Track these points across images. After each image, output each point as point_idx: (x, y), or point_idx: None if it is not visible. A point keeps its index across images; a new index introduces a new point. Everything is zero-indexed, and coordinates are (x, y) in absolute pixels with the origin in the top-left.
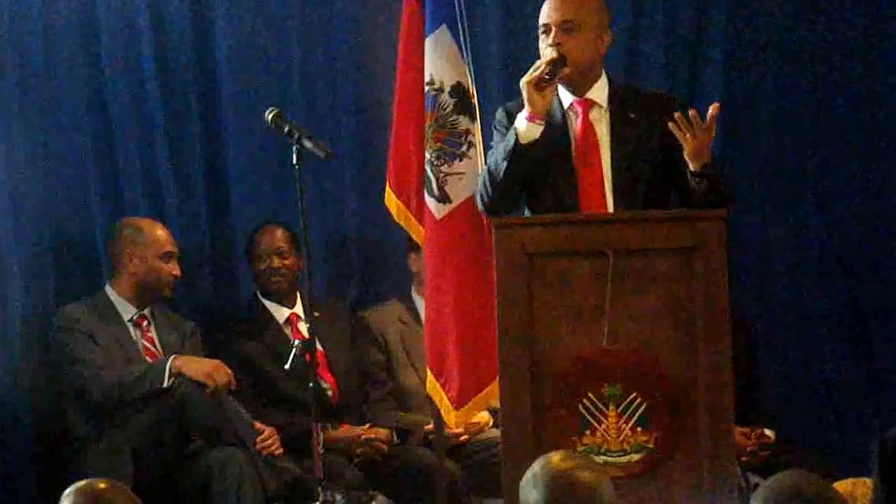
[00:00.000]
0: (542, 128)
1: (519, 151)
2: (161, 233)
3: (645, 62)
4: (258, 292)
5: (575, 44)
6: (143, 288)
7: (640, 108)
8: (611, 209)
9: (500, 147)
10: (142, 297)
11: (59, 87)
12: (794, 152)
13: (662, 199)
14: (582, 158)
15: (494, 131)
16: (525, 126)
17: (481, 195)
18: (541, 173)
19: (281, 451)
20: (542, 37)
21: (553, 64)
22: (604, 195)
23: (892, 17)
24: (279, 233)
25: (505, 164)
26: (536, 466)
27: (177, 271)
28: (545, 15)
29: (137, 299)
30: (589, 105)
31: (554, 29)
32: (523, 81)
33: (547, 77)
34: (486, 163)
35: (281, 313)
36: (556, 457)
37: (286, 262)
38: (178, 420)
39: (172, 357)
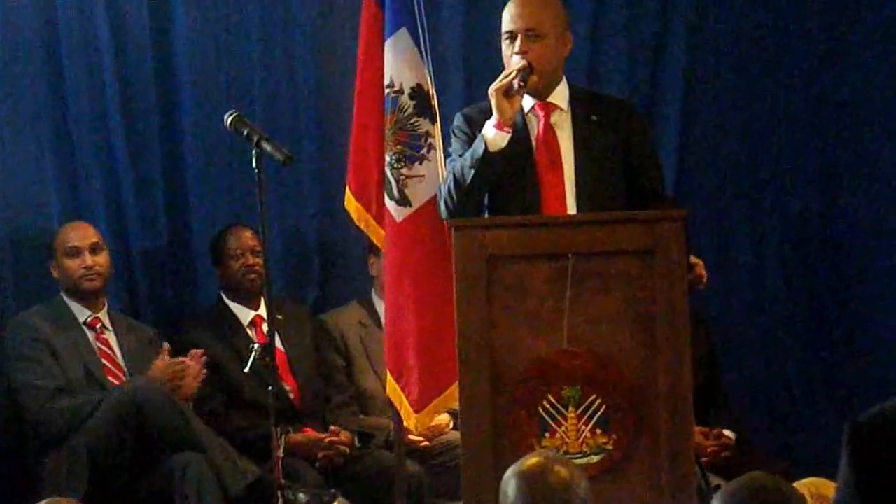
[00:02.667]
0: (509, 136)
1: (487, 159)
2: (70, 231)
3: (606, 65)
4: (223, 293)
5: (541, 51)
6: (71, 290)
7: (601, 112)
8: (572, 210)
9: (467, 154)
10: (82, 299)
11: (16, 85)
12: (753, 151)
13: (624, 201)
14: (544, 162)
15: (453, 137)
16: (493, 134)
17: (445, 202)
18: (504, 178)
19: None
20: (505, 43)
21: (523, 72)
22: (566, 198)
23: (848, 16)
24: (248, 233)
25: (472, 171)
26: (513, 466)
27: (87, 263)
28: (508, 22)
29: (80, 301)
30: (550, 109)
31: (520, 36)
32: (492, 89)
33: (519, 85)
34: (445, 167)
35: (245, 315)
36: (532, 457)
37: (259, 260)
38: (138, 424)
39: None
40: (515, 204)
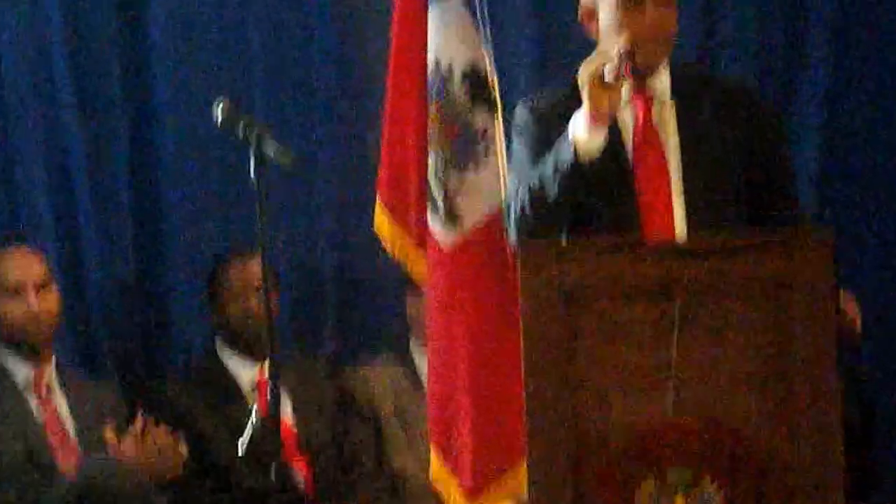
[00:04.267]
0: (604, 137)
1: (577, 168)
2: (8, 261)
3: (723, 55)
4: (217, 344)
5: (671, 21)
6: (7, 341)
7: (716, 100)
8: (681, 232)
9: (547, 160)
10: (20, 352)
11: None
12: None
13: (747, 219)
14: (644, 169)
15: (515, 136)
16: (585, 134)
17: (517, 223)
18: (595, 191)
19: None
20: (622, 10)
21: (628, 54)
22: (672, 215)
23: None
24: (255, 266)
25: (557, 183)
26: None
27: (32, 305)
28: None
29: (19, 355)
30: (650, 98)
31: (650, 3)
32: (584, 75)
33: (625, 73)
34: (511, 171)
35: (246, 373)
36: None
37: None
38: None
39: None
40: (606, 224)
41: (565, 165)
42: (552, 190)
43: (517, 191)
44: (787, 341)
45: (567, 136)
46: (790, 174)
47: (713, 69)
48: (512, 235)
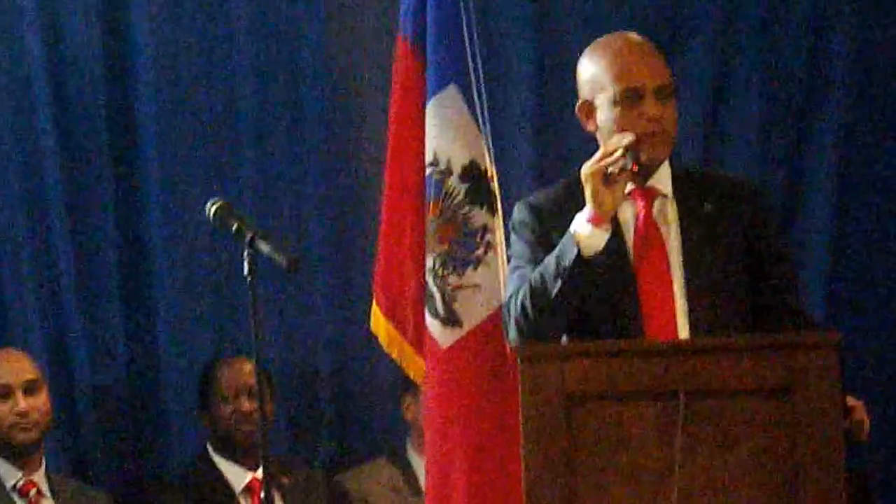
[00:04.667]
0: (608, 235)
1: (580, 267)
2: None
3: (728, 139)
4: (210, 448)
5: (672, 117)
6: None
7: (716, 197)
8: (683, 332)
9: (549, 260)
10: (8, 455)
11: None
12: None
13: (750, 320)
14: (645, 266)
15: (514, 236)
16: (588, 232)
17: (517, 323)
18: (598, 291)
19: None
20: (621, 105)
21: (631, 150)
22: (674, 315)
23: None
24: (248, 367)
25: (558, 282)
26: None
27: (20, 407)
28: (628, 75)
29: (7, 459)
30: (652, 195)
31: (649, 97)
32: (588, 171)
33: (631, 168)
34: (510, 271)
35: (239, 478)
36: None
37: (255, 405)
38: None
39: None
40: (608, 324)
41: (567, 263)
42: (553, 287)
43: (517, 289)
44: (792, 445)
45: (569, 234)
46: (793, 272)
47: (717, 164)
48: (511, 335)
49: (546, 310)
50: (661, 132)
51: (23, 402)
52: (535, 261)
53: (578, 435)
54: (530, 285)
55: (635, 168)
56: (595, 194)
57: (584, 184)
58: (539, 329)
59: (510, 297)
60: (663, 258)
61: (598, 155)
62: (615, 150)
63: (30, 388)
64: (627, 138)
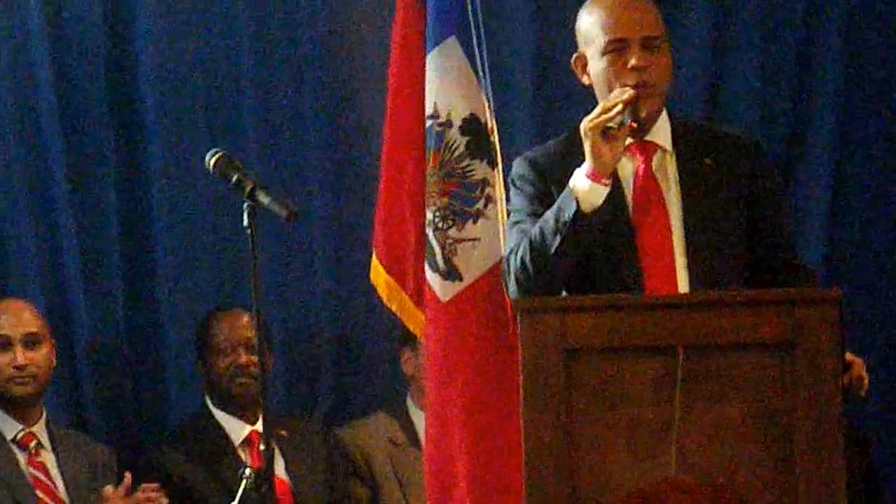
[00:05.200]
0: (608, 190)
1: (579, 222)
2: None
3: (729, 94)
4: (209, 401)
5: (662, 67)
6: None
7: (715, 151)
8: (683, 287)
9: (548, 215)
10: (11, 409)
11: None
12: None
13: (748, 275)
14: (645, 221)
15: (513, 190)
16: (587, 187)
17: (517, 278)
18: (597, 245)
19: None
20: (608, 56)
21: (631, 103)
22: (674, 270)
23: None
24: (245, 319)
25: (558, 237)
26: None
27: (19, 360)
28: (615, 26)
29: (7, 411)
30: (651, 150)
31: (634, 46)
32: (587, 126)
33: (630, 123)
34: (510, 226)
35: (238, 430)
36: None
37: (255, 358)
38: None
39: None
40: (608, 281)
41: (567, 218)
42: (553, 243)
43: (518, 245)
44: (791, 400)
45: (569, 189)
46: (790, 229)
47: (718, 119)
48: (511, 289)
49: (545, 265)
50: (645, 83)
51: (21, 356)
52: (536, 215)
53: (577, 389)
54: (530, 241)
55: (633, 125)
56: (594, 149)
57: (584, 139)
58: (539, 285)
59: (510, 252)
60: (663, 212)
61: (597, 110)
62: (614, 106)
63: (30, 342)
64: (627, 93)
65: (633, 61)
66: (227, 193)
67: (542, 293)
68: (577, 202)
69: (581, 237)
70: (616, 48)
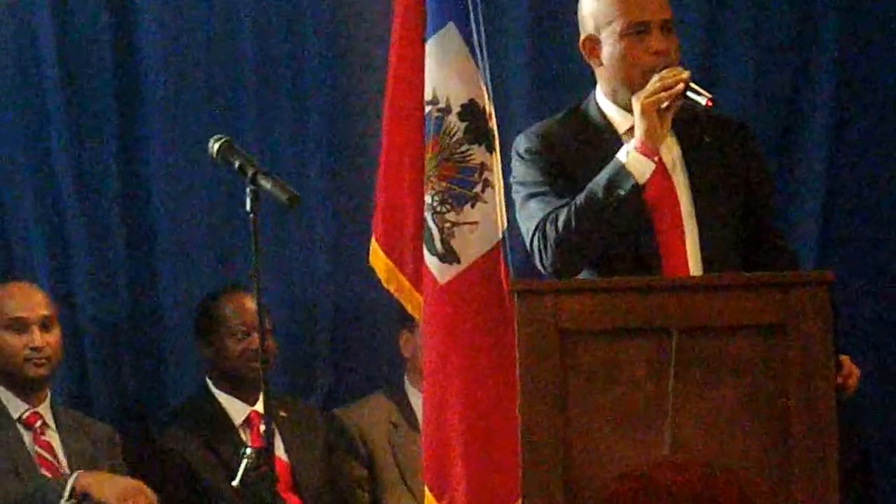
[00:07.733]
0: (654, 166)
1: (637, 195)
2: (13, 297)
3: (724, 78)
4: (210, 381)
5: (673, 48)
6: (6, 377)
7: (712, 131)
8: (696, 263)
9: (595, 189)
10: (16, 387)
11: None
12: None
13: (743, 258)
14: (655, 198)
15: (520, 163)
16: (640, 162)
17: (559, 246)
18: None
19: None
20: (628, 38)
21: (687, 84)
22: (685, 250)
23: None
24: (248, 303)
25: (610, 211)
26: None
27: (36, 342)
28: (639, 9)
29: (15, 391)
30: None
31: (655, 30)
32: (645, 102)
33: (709, 101)
34: (521, 206)
35: (239, 410)
36: None
37: (269, 343)
38: None
39: (78, 473)
40: (623, 258)
41: (625, 192)
42: (606, 215)
43: (552, 215)
44: (784, 383)
45: (618, 163)
46: (775, 211)
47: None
48: (549, 260)
49: (598, 236)
50: (665, 65)
51: (38, 338)
52: (553, 187)
53: (572, 370)
54: (575, 211)
55: (710, 103)
56: (650, 125)
57: (640, 115)
58: (574, 260)
59: (542, 221)
60: (672, 190)
61: (652, 87)
62: (675, 84)
63: (45, 324)
64: (685, 73)
65: (656, 45)
66: (228, 177)
67: (582, 264)
68: (634, 177)
69: (628, 213)
70: (637, 30)
